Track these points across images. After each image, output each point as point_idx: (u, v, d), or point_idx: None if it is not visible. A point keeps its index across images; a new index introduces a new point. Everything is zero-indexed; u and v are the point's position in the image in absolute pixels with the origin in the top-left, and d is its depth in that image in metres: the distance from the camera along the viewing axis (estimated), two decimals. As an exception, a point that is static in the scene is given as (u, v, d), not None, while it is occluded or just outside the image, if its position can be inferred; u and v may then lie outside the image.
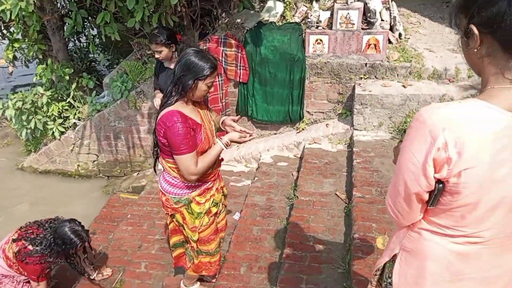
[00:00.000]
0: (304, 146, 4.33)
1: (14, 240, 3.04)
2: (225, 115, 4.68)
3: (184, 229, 2.62)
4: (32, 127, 5.16)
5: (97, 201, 5.13)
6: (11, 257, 3.05)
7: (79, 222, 3.18)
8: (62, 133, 5.34)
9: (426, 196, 1.21)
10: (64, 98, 5.41)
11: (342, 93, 4.35)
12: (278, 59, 4.33)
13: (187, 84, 2.24)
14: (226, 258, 3.18)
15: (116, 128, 5.17)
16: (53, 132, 5.27)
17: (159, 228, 4.02)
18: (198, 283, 3.02)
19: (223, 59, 4.44)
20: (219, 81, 4.52)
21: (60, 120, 5.29)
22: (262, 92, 4.50)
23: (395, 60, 4.16)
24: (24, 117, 5.15)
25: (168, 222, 2.78)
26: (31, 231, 3.09)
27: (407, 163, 1.19)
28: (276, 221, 3.51)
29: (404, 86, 4.03)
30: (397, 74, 4.17)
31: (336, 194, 3.53)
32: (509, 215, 1.17)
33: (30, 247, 2.99)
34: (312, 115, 4.55)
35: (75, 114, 5.34)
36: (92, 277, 3.48)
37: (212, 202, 2.59)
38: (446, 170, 1.12)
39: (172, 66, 3.61)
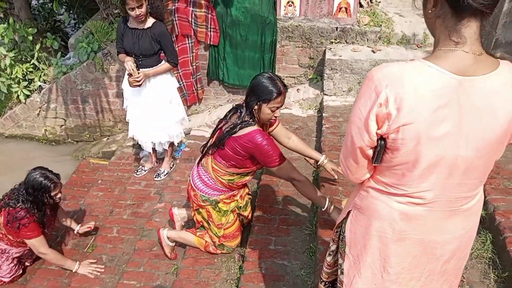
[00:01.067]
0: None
1: None
2: (196, 79, 4.63)
3: (209, 225, 2.82)
4: (-4, 90, 4.98)
5: (67, 167, 5.06)
6: (1, 229, 3.01)
7: (46, 168, 3.09)
8: (27, 96, 5.18)
9: (370, 152, 1.26)
10: (28, 59, 5.20)
11: (313, 58, 4.34)
12: (249, 21, 4.25)
13: (251, 104, 2.36)
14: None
15: (84, 91, 5.04)
16: (18, 96, 5.10)
17: (131, 193, 4.02)
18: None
19: (193, 20, 4.33)
20: (189, 43, 4.42)
21: (25, 83, 5.11)
22: (233, 56, 4.43)
23: (365, 25, 4.15)
24: (-14, 80, 4.95)
25: (192, 213, 2.97)
26: (14, 194, 3.03)
27: (354, 118, 1.24)
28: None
29: (373, 51, 4.05)
30: (367, 39, 4.18)
31: (305, 159, 3.59)
32: (449, 178, 1.21)
33: (12, 209, 2.94)
34: (283, 80, 4.53)
35: (40, 76, 5.15)
36: (75, 231, 3.51)
37: (236, 204, 2.83)
38: (386, 126, 1.16)
39: (142, 27, 3.48)
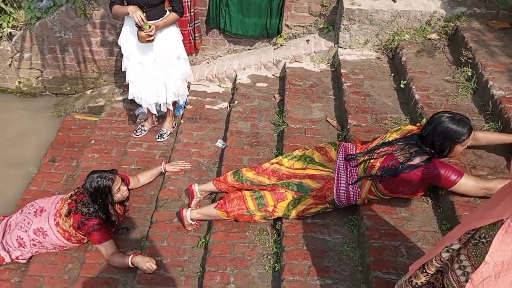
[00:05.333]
0: (284, 65, 4.04)
1: (66, 215, 2.88)
2: (194, 27, 4.19)
3: (282, 201, 2.66)
4: (-43, 38, 4.31)
5: (49, 123, 4.62)
6: (67, 229, 2.89)
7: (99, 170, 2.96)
8: (-5, 44, 4.54)
9: None
10: (-8, 1, 4.49)
11: (325, 5, 3.99)
12: (256, -38, 3.79)
13: (445, 149, 2.36)
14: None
15: (63, 39, 4.46)
16: (-16, 44, 4.46)
17: (133, 156, 3.71)
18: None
19: (192, -39, 3.81)
20: (187, -13, 3.93)
21: (-8, 29, 4.46)
22: (237, 2, 3.99)
23: (384, -30, 3.82)
24: None
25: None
26: (80, 198, 2.90)
27: None
28: (265, 150, 3.35)
29: (394, 1, 3.76)
30: (386, -14, 3.86)
31: (327, 121, 3.39)
32: None
33: (83, 214, 2.84)
34: (291, 29, 4.19)
35: (8, 21, 4.49)
36: (162, 170, 3.39)
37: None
38: None
39: None
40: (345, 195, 2.58)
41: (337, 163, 2.68)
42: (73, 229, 2.90)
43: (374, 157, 2.55)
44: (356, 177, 2.58)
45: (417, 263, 1.71)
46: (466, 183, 2.35)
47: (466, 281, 1.43)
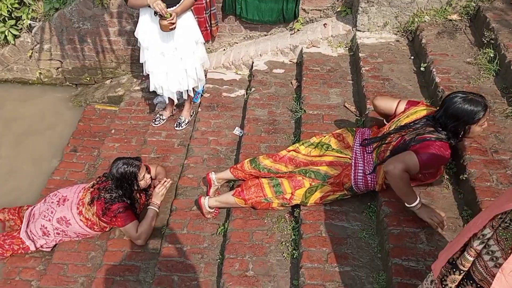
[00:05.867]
0: (301, 50, 3.99)
1: (89, 203, 2.96)
2: (210, 14, 4.16)
3: (300, 188, 2.65)
4: (-20, 31, 4.41)
5: (70, 114, 4.70)
6: (90, 217, 2.98)
7: (124, 157, 3.05)
8: (16, 36, 4.61)
9: None
10: (12, -7, 4.55)
11: (343, -12, 3.92)
12: None
13: (459, 131, 2.30)
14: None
15: (81, 30, 4.51)
16: (5, 36, 4.54)
17: (152, 145, 3.75)
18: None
19: None
20: (202, -26, 3.89)
21: (12, 22, 4.52)
22: (253, -13, 3.96)
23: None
24: (-33, 19, 4.35)
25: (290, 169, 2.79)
26: (103, 186, 2.98)
27: None
28: (283, 137, 3.34)
29: (413, -19, 3.65)
30: (405, -34, 3.75)
31: (345, 106, 3.35)
32: None
33: (107, 201, 2.92)
34: (308, 13, 4.13)
35: (28, 13, 4.55)
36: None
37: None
38: None
39: None
40: (363, 181, 2.56)
41: (354, 149, 2.66)
42: (97, 217, 2.97)
43: (387, 141, 2.50)
44: (371, 164, 2.55)
45: (442, 259, 1.57)
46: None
47: (495, 266, 1.37)
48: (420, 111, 2.53)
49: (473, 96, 2.25)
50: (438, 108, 2.42)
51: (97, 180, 3.08)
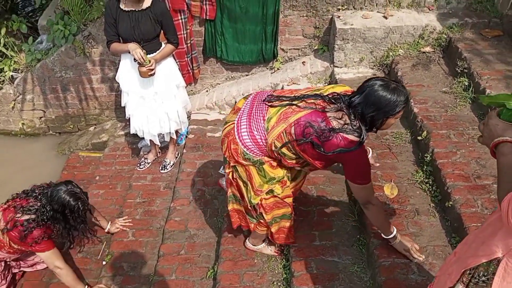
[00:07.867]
0: (282, 88, 4.07)
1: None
2: (191, 58, 4.25)
3: (246, 188, 2.34)
4: (-39, 85, 4.41)
5: (54, 163, 4.65)
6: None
7: (76, 184, 2.87)
8: (-2, 88, 4.63)
9: None
10: (-7, 47, 4.61)
11: (318, 27, 4.05)
12: (249, -9, 3.87)
13: (376, 122, 1.99)
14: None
15: (64, 79, 4.54)
16: (-13, 89, 4.55)
17: (137, 190, 3.71)
18: (264, 243, 2.79)
19: (185, -6, 3.90)
20: (182, 19, 3.99)
21: (-6, 74, 4.56)
22: (232, 30, 4.07)
23: (373, -12, 3.88)
24: None
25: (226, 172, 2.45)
26: (19, 203, 2.73)
27: None
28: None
29: (385, 17, 3.80)
30: (376, 3, 3.91)
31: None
32: None
33: (22, 217, 2.65)
34: (287, 52, 4.24)
35: (10, 65, 4.59)
36: (106, 229, 3.30)
37: (285, 174, 2.33)
38: None
39: (139, 7, 3.07)
40: (250, 137, 2.19)
41: (242, 109, 2.28)
42: (7, 235, 2.69)
43: (300, 105, 2.10)
44: (262, 115, 2.17)
45: None
46: (369, 189, 2.14)
47: None
48: (338, 87, 2.21)
49: (396, 85, 1.97)
50: (353, 92, 2.09)
51: (14, 195, 2.84)
